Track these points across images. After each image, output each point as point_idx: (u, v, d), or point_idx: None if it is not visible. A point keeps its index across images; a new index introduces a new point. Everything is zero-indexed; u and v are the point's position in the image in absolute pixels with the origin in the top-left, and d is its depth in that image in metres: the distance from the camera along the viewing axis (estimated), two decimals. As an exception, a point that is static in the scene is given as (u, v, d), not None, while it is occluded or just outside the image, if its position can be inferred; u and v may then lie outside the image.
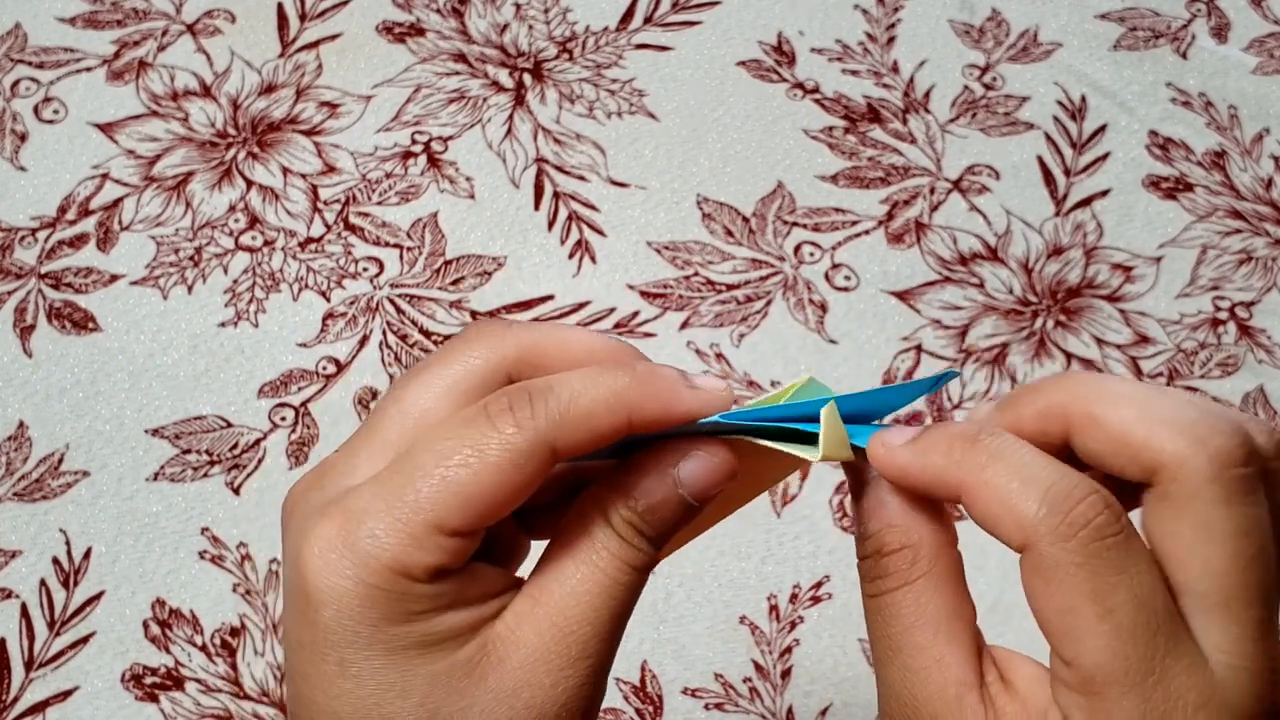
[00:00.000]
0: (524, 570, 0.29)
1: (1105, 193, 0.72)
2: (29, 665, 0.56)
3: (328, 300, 0.66)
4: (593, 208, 0.70)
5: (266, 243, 0.68)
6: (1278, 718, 0.24)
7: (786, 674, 0.57)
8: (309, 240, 0.68)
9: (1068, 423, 0.26)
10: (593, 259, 0.68)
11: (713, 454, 0.27)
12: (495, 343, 0.27)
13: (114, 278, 0.66)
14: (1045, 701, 0.25)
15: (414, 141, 0.72)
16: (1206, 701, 0.23)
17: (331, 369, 0.64)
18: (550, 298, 0.67)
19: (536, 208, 0.70)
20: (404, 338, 0.65)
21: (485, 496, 0.25)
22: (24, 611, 0.57)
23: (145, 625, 0.57)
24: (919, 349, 0.66)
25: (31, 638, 0.57)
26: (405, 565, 0.24)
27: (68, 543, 0.59)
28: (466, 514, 0.25)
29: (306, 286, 0.66)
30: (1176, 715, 0.23)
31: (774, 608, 0.58)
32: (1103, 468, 0.26)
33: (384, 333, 0.65)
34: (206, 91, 0.73)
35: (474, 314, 0.66)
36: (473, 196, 0.70)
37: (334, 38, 0.76)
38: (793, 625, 0.58)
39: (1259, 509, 0.24)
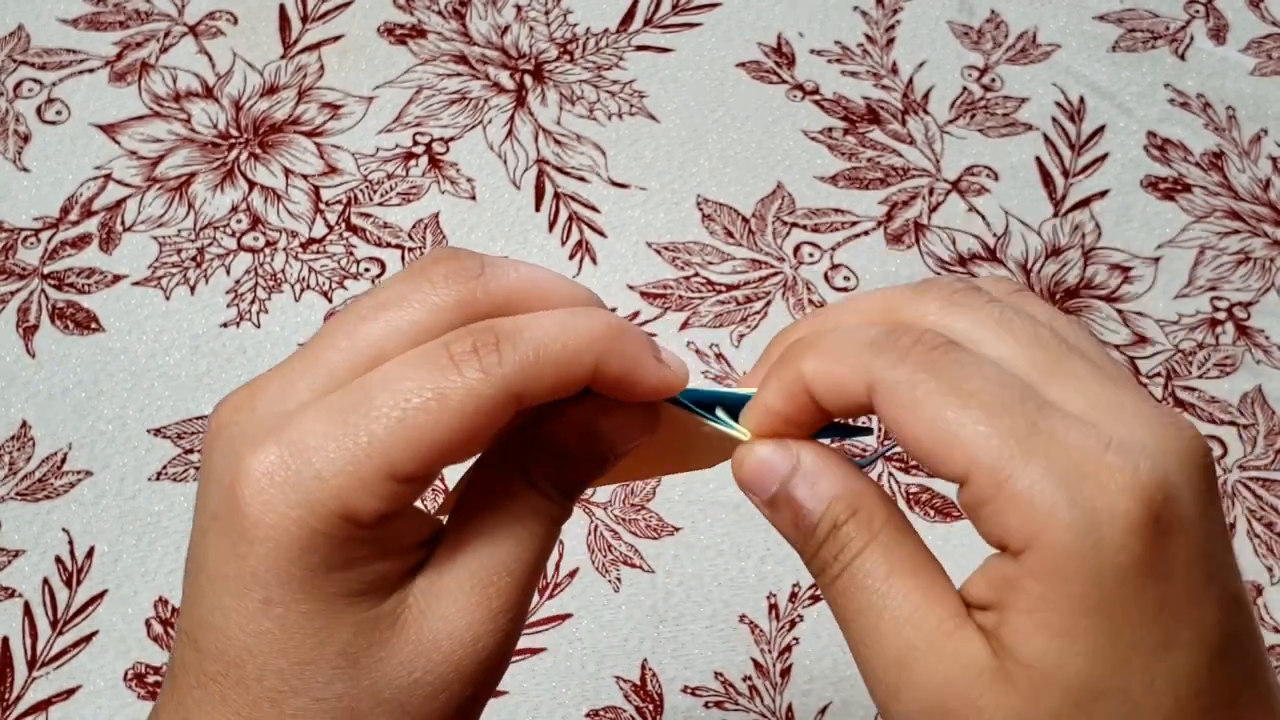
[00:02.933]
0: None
1: (1104, 193, 0.72)
2: (32, 664, 0.56)
3: (329, 301, 0.66)
4: (593, 208, 0.70)
5: (268, 243, 0.68)
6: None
7: (786, 672, 0.57)
8: (311, 241, 0.68)
9: (805, 386, 0.26)
10: (593, 259, 0.68)
11: (630, 411, 0.27)
12: (467, 290, 0.25)
13: (116, 278, 0.66)
14: (998, 594, 0.24)
15: (415, 142, 0.72)
16: (1107, 444, 0.22)
17: (333, 369, 0.64)
18: (551, 298, 0.67)
19: (537, 209, 0.70)
20: (405, 338, 0.65)
21: (443, 443, 0.23)
22: (27, 610, 0.58)
23: (148, 624, 0.58)
24: (918, 349, 0.66)
25: (34, 637, 0.57)
26: (353, 510, 0.23)
27: (70, 542, 0.59)
28: (422, 460, 0.23)
29: (308, 287, 0.67)
30: (1089, 465, 0.22)
31: (773, 606, 0.59)
32: (850, 414, 0.26)
33: (385, 333, 0.65)
34: (209, 92, 0.73)
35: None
36: (474, 197, 0.70)
37: (336, 39, 0.76)
38: (792, 624, 0.58)
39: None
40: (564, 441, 0.27)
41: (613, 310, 0.69)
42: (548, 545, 0.27)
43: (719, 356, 0.65)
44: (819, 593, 0.59)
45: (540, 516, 0.26)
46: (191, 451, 0.62)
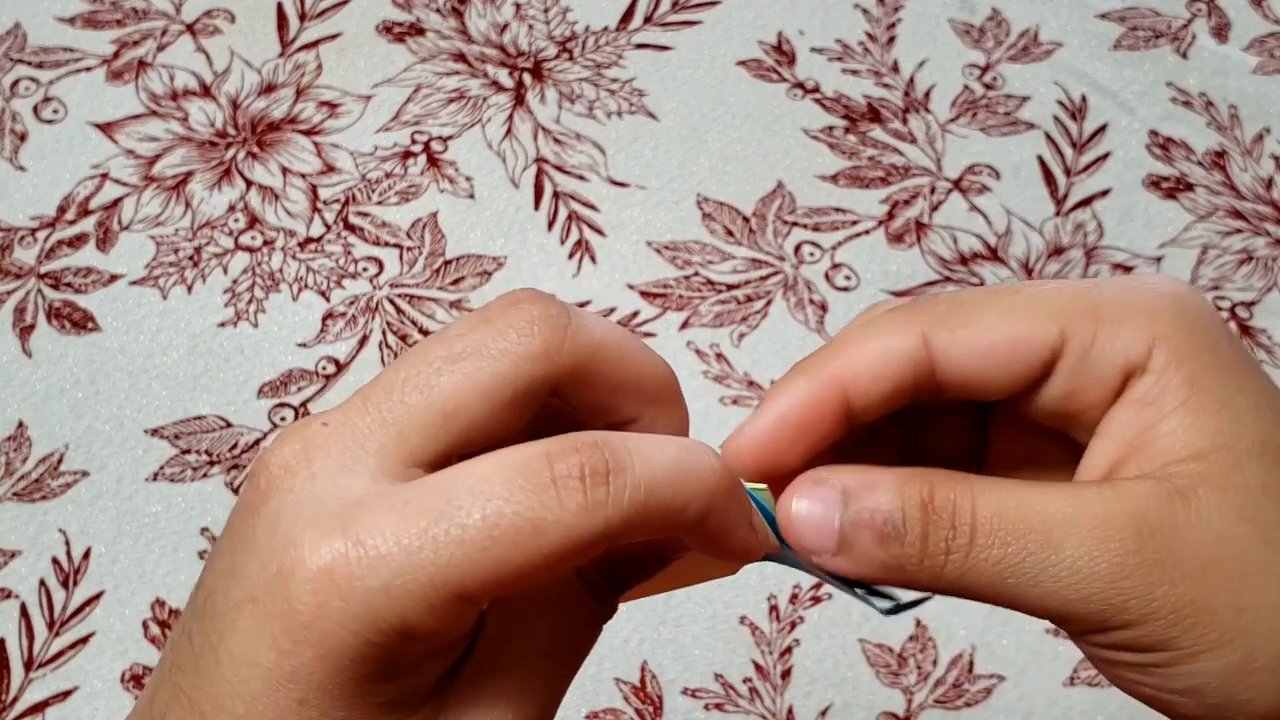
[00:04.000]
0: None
1: (1106, 192, 0.72)
2: (28, 665, 0.56)
3: (327, 300, 0.66)
4: (593, 207, 0.70)
5: (266, 243, 0.68)
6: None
7: (786, 674, 0.57)
8: (308, 240, 0.68)
9: (843, 388, 0.24)
10: (593, 259, 0.68)
11: None
12: (554, 340, 0.22)
13: (113, 278, 0.66)
14: (1134, 430, 0.24)
15: (414, 141, 0.72)
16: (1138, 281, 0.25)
17: (331, 369, 0.64)
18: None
19: (536, 207, 0.70)
20: (404, 338, 0.65)
21: (521, 575, 0.21)
22: (23, 611, 0.57)
23: (145, 625, 0.57)
24: (919, 349, 0.66)
25: (31, 638, 0.57)
26: (414, 630, 0.21)
27: (67, 543, 0.59)
28: (494, 587, 0.21)
29: (306, 286, 0.66)
30: (1137, 282, 0.24)
31: (774, 608, 0.58)
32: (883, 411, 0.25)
33: (384, 333, 0.65)
34: (206, 91, 0.73)
35: (474, 314, 0.66)
36: (472, 196, 0.70)
37: (334, 37, 0.76)
38: (793, 626, 0.58)
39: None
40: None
41: (612, 310, 0.68)
42: (588, 649, 0.25)
43: (719, 356, 0.65)
44: (819, 594, 0.59)
45: (588, 618, 0.24)
46: (189, 452, 0.61)
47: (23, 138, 0.71)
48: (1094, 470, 0.24)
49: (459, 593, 0.20)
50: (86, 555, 0.59)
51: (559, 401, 0.24)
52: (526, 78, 0.75)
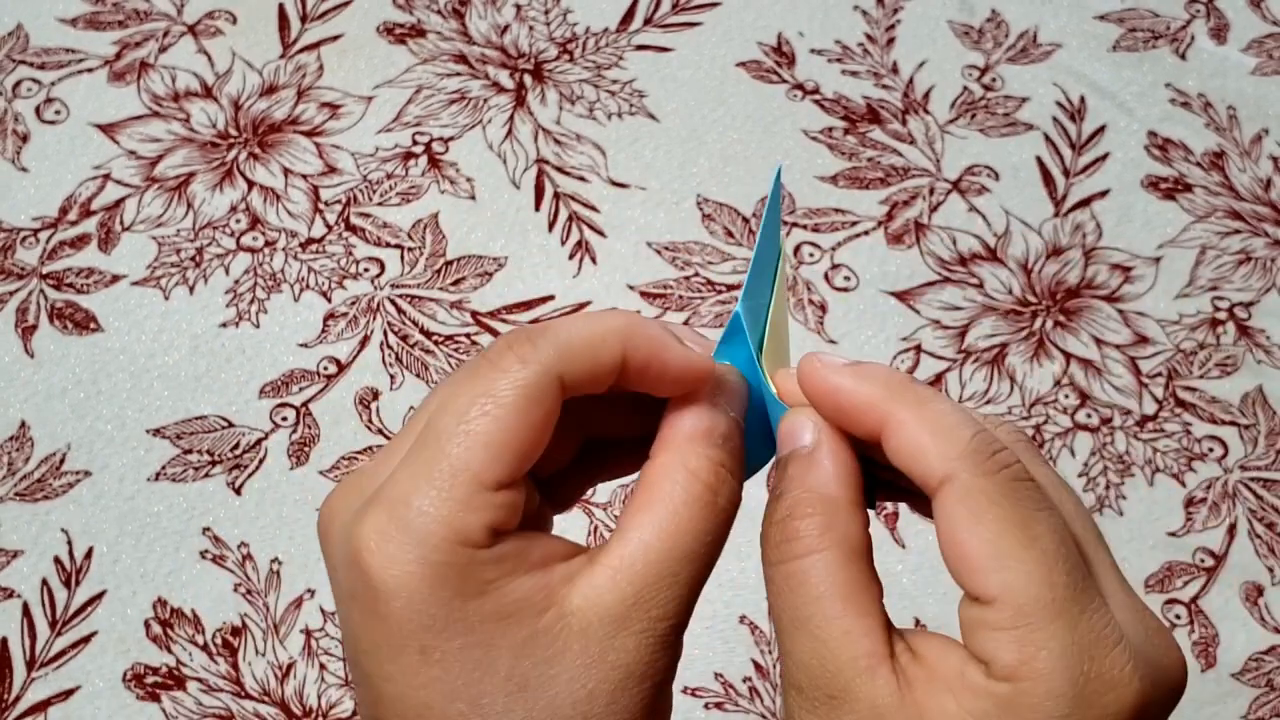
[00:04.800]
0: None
1: (1104, 193, 0.72)
2: (31, 664, 0.56)
3: (329, 300, 0.66)
4: (593, 208, 0.70)
5: (268, 243, 0.68)
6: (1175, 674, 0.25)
7: (786, 673, 0.57)
8: (310, 241, 0.68)
9: (884, 423, 0.27)
10: (593, 259, 0.68)
11: (729, 372, 0.28)
12: (540, 372, 0.26)
13: (115, 278, 0.66)
14: (957, 667, 0.25)
15: (415, 142, 0.72)
16: (1120, 640, 0.24)
17: (333, 369, 0.64)
18: (550, 298, 0.67)
19: (537, 208, 0.70)
20: (405, 338, 0.65)
21: (513, 441, 0.24)
22: (25, 611, 0.57)
23: (147, 625, 0.57)
24: (919, 349, 0.66)
25: (33, 637, 0.57)
26: (461, 532, 0.24)
27: (69, 542, 0.59)
28: (503, 462, 0.24)
29: (307, 287, 0.67)
30: (1101, 648, 0.24)
31: (774, 607, 0.59)
32: (903, 470, 0.27)
33: (385, 333, 0.65)
34: (208, 92, 0.73)
35: (475, 314, 0.66)
36: (473, 197, 0.70)
37: (335, 39, 0.76)
38: (792, 625, 0.58)
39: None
40: (713, 420, 0.27)
41: (613, 309, 0.69)
42: (717, 546, 0.27)
43: (719, 356, 0.65)
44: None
45: (711, 509, 0.27)
46: (191, 452, 0.62)
47: (25, 139, 0.71)
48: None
49: (474, 482, 0.24)
50: (88, 555, 0.59)
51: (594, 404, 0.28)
52: (527, 79, 0.75)
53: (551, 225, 0.69)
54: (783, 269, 0.31)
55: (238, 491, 0.61)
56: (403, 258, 0.68)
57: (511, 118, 0.73)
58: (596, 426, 0.30)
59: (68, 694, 0.56)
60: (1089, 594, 0.24)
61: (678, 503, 0.26)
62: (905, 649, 0.26)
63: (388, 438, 0.62)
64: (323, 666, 0.57)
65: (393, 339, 0.65)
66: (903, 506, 0.61)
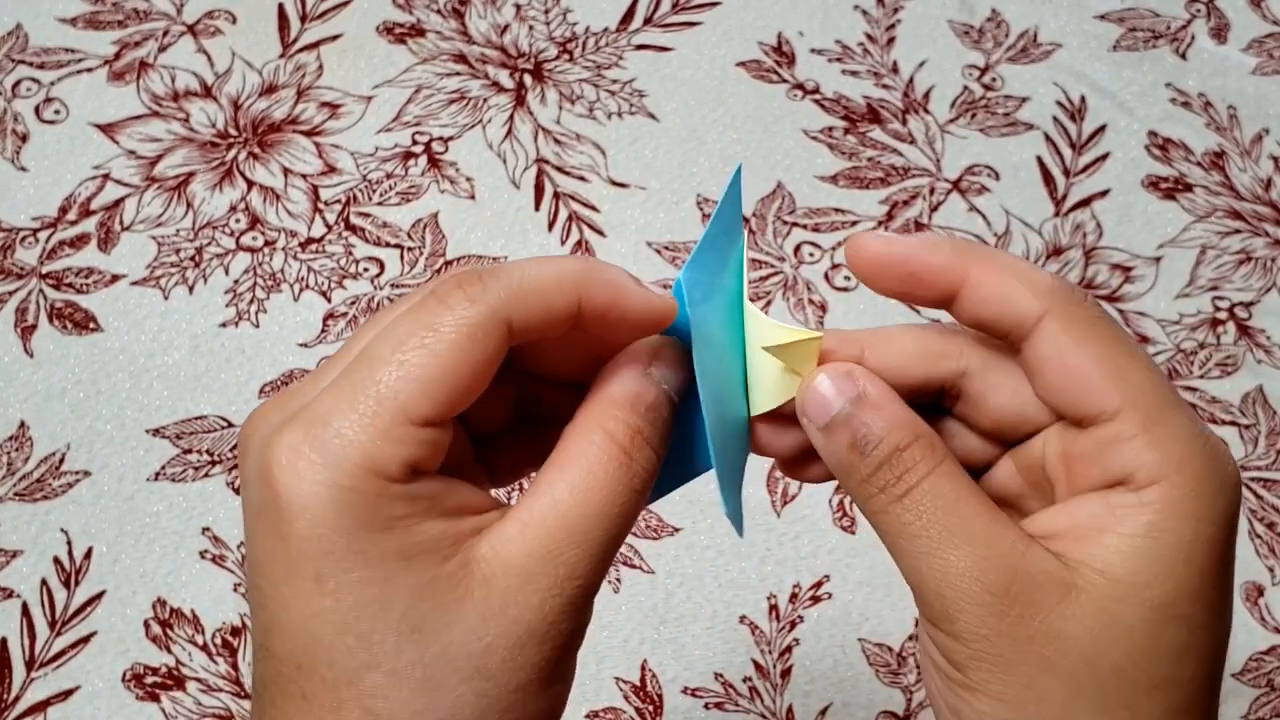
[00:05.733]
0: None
1: (1104, 193, 0.72)
2: (30, 665, 0.56)
3: (328, 300, 0.66)
4: (593, 208, 0.70)
5: (267, 243, 0.68)
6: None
7: (786, 673, 0.57)
8: (310, 240, 0.68)
9: (964, 277, 0.27)
10: (593, 259, 0.68)
11: (669, 344, 0.28)
12: (490, 305, 0.25)
13: (115, 278, 0.66)
14: (1097, 509, 0.26)
15: (414, 142, 0.72)
16: (1204, 436, 0.26)
17: (332, 369, 0.64)
18: (550, 298, 0.67)
19: (537, 208, 0.70)
20: (404, 338, 0.65)
21: (448, 378, 0.24)
22: (25, 611, 0.57)
23: (146, 625, 0.57)
24: (919, 349, 0.66)
25: (32, 637, 0.57)
26: (377, 461, 0.23)
27: (69, 542, 0.59)
28: (432, 398, 0.23)
29: (307, 287, 0.67)
30: (1210, 435, 0.26)
31: (774, 607, 0.58)
32: (984, 324, 0.28)
33: (384, 333, 0.65)
34: (207, 92, 0.73)
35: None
36: (473, 197, 0.70)
37: (335, 38, 0.76)
38: (792, 625, 0.58)
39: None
40: (639, 390, 0.27)
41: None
42: (629, 519, 0.26)
43: (719, 356, 0.65)
44: (819, 593, 0.59)
45: (622, 483, 0.26)
46: (190, 452, 0.62)
47: (24, 138, 0.71)
48: (1050, 518, 0.27)
49: (400, 414, 0.23)
50: (88, 555, 0.59)
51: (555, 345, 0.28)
52: (527, 79, 0.75)
53: (551, 225, 0.69)
54: (745, 273, 0.30)
55: (237, 492, 0.61)
56: (402, 257, 0.68)
57: (511, 117, 0.73)
58: (538, 382, 0.29)
59: (67, 694, 0.56)
60: (1179, 394, 0.26)
61: (591, 461, 0.25)
62: (1033, 531, 0.27)
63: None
64: (322, 667, 0.57)
65: (392, 339, 0.65)
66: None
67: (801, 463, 0.30)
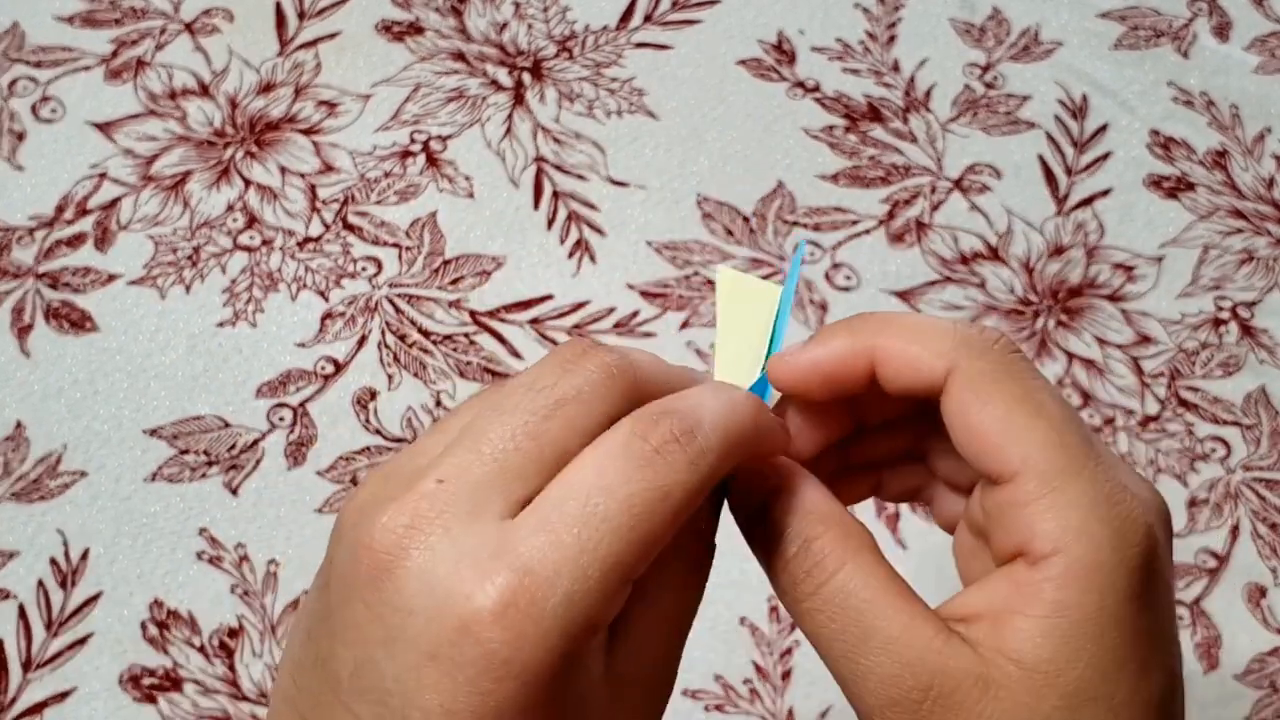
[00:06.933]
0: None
1: (1106, 192, 0.72)
2: (26, 666, 0.56)
3: (326, 300, 0.66)
4: (592, 207, 0.70)
5: (265, 242, 0.68)
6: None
7: (787, 676, 0.57)
8: (307, 240, 0.68)
9: (872, 356, 0.27)
10: (592, 258, 0.68)
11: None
12: (628, 386, 0.26)
13: (112, 277, 0.66)
14: (1003, 589, 0.25)
15: (413, 140, 0.72)
16: (1125, 485, 0.25)
17: (330, 369, 0.64)
18: (549, 297, 0.66)
19: (536, 207, 0.70)
20: (403, 337, 0.65)
21: (663, 540, 0.24)
22: (21, 612, 0.57)
23: (143, 626, 0.57)
24: (920, 349, 0.66)
25: (29, 639, 0.57)
26: (598, 623, 0.23)
27: (65, 543, 0.59)
28: (647, 559, 0.24)
29: (305, 286, 0.66)
30: (1119, 494, 0.25)
31: (774, 609, 0.58)
32: (904, 393, 0.27)
33: (383, 332, 0.65)
34: (204, 90, 0.73)
35: (473, 314, 0.66)
36: (472, 196, 0.70)
37: (332, 36, 0.75)
38: (793, 627, 0.58)
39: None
40: (745, 501, 0.27)
41: (611, 310, 0.68)
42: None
43: (719, 356, 0.64)
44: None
45: (707, 574, 0.28)
46: (187, 452, 0.61)
47: (21, 137, 0.71)
48: (965, 600, 0.26)
49: (624, 574, 0.23)
50: (84, 556, 0.59)
51: None
52: (526, 77, 0.74)
53: (550, 224, 0.69)
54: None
55: (235, 492, 0.60)
56: (400, 257, 0.67)
57: (510, 116, 0.73)
58: None
59: (64, 696, 0.56)
60: (1096, 450, 0.25)
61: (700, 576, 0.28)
62: (948, 618, 0.26)
63: (385, 438, 0.62)
64: (320, 668, 0.57)
65: (390, 338, 0.65)
66: (903, 507, 0.61)
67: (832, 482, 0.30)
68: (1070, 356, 0.66)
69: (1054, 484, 0.24)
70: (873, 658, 0.25)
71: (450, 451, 0.24)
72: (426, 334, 0.65)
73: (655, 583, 0.26)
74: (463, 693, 0.22)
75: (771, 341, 0.29)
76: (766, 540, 0.27)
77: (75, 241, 0.67)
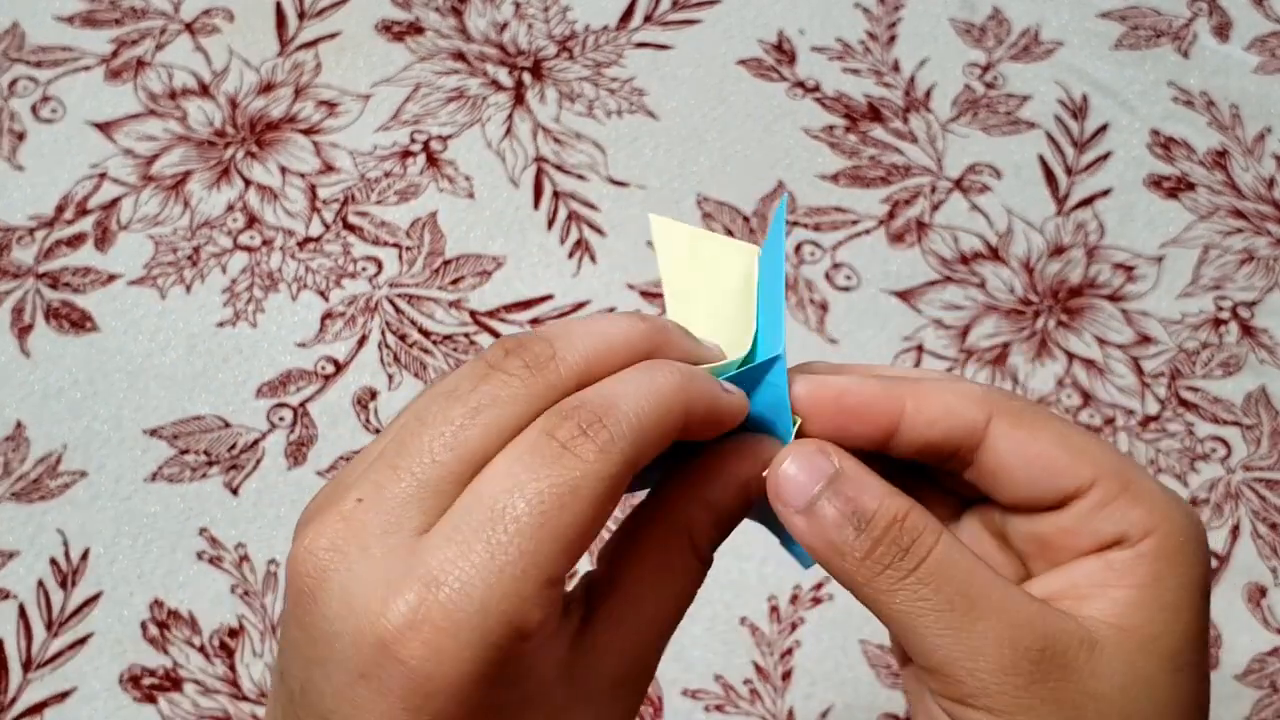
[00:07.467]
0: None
1: (1107, 192, 0.72)
2: (26, 666, 0.56)
3: (326, 300, 0.66)
4: (592, 207, 0.70)
5: (265, 242, 0.68)
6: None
7: (787, 676, 0.57)
8: (307, 240, 0.68)
9: (902, 404, 0.27)
10: (592, 258, 0.68)
11: (758, 447, 0.28)
12: (554, 376, 0.25)
13: (112, 277, 0.66)
14: (1097, 569, 0.26)
15: (413, 140, 0.72)
16: (1172, 492, 0.27)
17: (330, 369, 0.64)
18: (550, 297, 0.66)
19: (536, 207, 0.70)
20: (403, 337, 0.65)
21: (583, 536, 0.23)
22: (21, 612, 0.57)
23: (143, 626, 0.57)
24: (920, 349, 0.66)
25: (29, 639, 0.57)
26: (522, 629, 0.22)
27: (65, 543, 0.59)
28: (570, 557, 0.23)
29: (305, 286, 0.66)
30: (1172, 497, 0.26)
31: (774, 609, 0.58)
32: (930, 443, 0.27)
33: (383, 332, 0.65)
34: (205, 90, 0.73)
35: (473, 314, 0.66)
36: (472, 196, 0.70)
37: (333, 36, 0.75)
38: (793, 627, 0.58)
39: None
40: (728, 503, 0.27)
41: (611, 310, 0.68)
42: (688, 605, 0.27)
43: (719, 356, 0.64)
44: (820, 595, 0.58)
45: (696, 580, 0.27)
46: (187, 452, 0.61)
47: (21, 137, 0.71)
48: (1056, 579, 0.27)
49: (543, 574, 0.22)
50: (85, 556, 0.59)
51: None
52: (526, 77, 0.74)
53: (551, 224, 0.69)
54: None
55: (235, 492, 0.60)
56: (401, 257, 0.67)
57: (510, 116, 0.73)
58: None
59: (64, 695, 0.56)
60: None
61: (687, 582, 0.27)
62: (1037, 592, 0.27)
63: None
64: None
65: (391, 338, 0.65)
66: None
67: None
68: (1070, 356, 0.66)
69: (1130, 479, 0.26)
70: (986, 622, 0.24)
71: (372, 468, 0.24)
72: (427, 334, 0.65)
73: (632, 581, 0.26)
74: (396, 710, 0.22)
75: (763, 308, 0.28)
76: (829, 527, 0.26)
77: (75, 241, 0.67)
